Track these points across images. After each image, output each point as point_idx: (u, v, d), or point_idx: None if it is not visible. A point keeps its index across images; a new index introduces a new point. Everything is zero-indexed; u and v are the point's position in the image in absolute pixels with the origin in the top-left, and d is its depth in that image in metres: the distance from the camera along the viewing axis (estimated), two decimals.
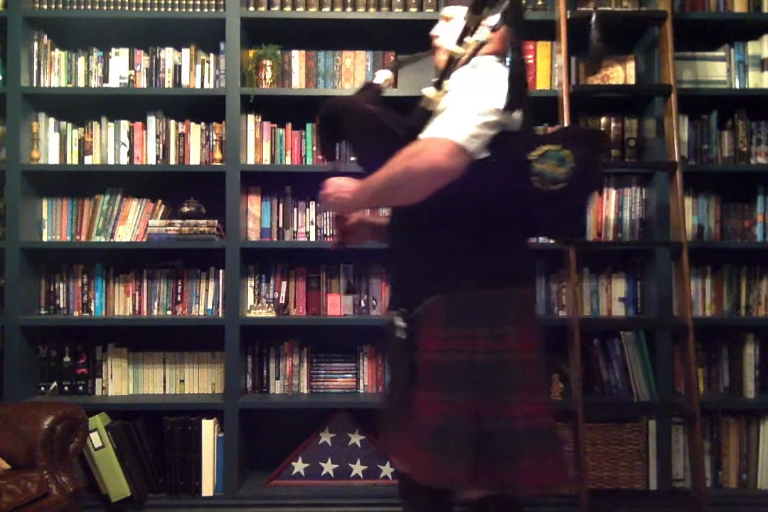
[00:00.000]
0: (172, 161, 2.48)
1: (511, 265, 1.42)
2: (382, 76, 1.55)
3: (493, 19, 1.37)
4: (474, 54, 1.36)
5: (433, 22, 1.58)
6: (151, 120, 2.49)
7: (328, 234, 2.50)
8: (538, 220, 1.43)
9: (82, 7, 2.41)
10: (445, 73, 1.35)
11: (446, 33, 1.50)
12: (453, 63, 1.36)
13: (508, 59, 1.36)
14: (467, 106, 1.29)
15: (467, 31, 1.34)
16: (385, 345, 1.51)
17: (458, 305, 1.36)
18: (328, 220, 2.49)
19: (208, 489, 2.36)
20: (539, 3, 2.44)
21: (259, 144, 2.48)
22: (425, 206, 1.32)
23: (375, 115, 1.40)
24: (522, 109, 1.36)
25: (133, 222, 2.49)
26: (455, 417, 1.31)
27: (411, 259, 1.46)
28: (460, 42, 1.36)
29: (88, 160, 2.48)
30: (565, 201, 1.38)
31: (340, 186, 1.46)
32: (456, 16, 1.48)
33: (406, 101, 1.61)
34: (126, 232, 2.48)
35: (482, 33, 1.35)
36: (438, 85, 1.34)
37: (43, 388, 2.45)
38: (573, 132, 1.62)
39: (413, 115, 1.37)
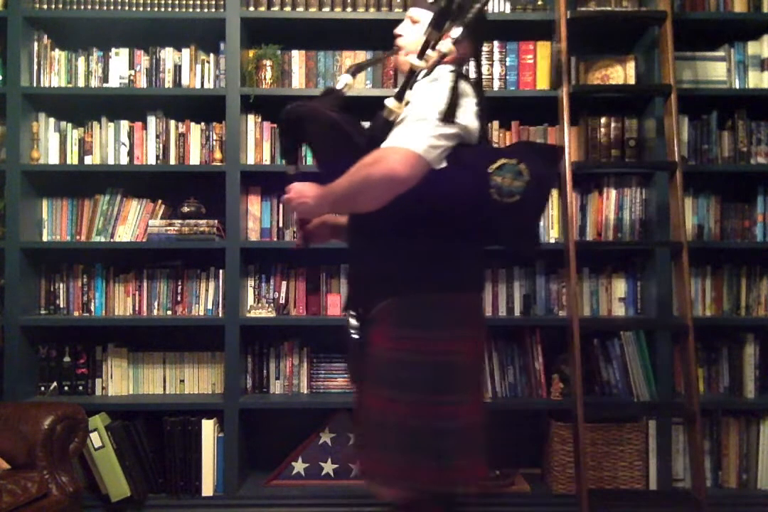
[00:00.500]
0: (172, 161, 2.48)
1: (465, 271, 1.45)
2: (343, 81, 1.56)
3: (456, 31, 1.39)
4: (435, 65, 1.39)
5: None
6: (151, 120, 2.49)
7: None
8: (495, 230, 1.46)
9: (82, 7, 2.41)
10: (406, 84, 1.37)
11: (409, 35, 1.52)
12: (414, 75, 1.38)
13: (470, 68, 1.41)
14: (427, 116, 1.32)
15: (428, 45, 1.37)
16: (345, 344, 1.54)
17: (412, 308, 1.39)
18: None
19: (208, 489, 2.36)
20: (539, 3, 2.43)
21: (259, 144, 2.48)
22: (383, 211, 1.34)
23: (335, 121, 1.42)
24: (479, 121, 1.41)
25: (133, 222, 2.49)
26: (401, 414, 1.34)
27: (368, 262, 1.48)
28: (421, 56, 1.37)
29: (88, 160, 2.48)
30: (519, 214, 1.40)
31: (302, 192, 1.48)
32: (422, 20, 1.49)
33: None
34: (126, 232, 2.48)
35: (445, 44, 1.38)
36: (399, 97, 1.35)
37: (43, 388, 2.45)
38: (528, 146, 1.67)
39: (374, 124, 1.39)
